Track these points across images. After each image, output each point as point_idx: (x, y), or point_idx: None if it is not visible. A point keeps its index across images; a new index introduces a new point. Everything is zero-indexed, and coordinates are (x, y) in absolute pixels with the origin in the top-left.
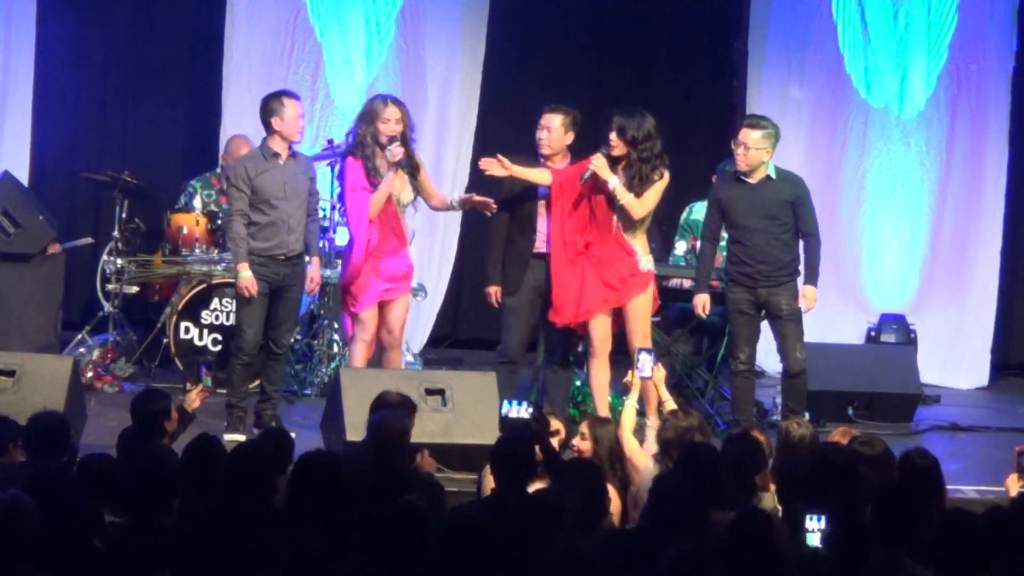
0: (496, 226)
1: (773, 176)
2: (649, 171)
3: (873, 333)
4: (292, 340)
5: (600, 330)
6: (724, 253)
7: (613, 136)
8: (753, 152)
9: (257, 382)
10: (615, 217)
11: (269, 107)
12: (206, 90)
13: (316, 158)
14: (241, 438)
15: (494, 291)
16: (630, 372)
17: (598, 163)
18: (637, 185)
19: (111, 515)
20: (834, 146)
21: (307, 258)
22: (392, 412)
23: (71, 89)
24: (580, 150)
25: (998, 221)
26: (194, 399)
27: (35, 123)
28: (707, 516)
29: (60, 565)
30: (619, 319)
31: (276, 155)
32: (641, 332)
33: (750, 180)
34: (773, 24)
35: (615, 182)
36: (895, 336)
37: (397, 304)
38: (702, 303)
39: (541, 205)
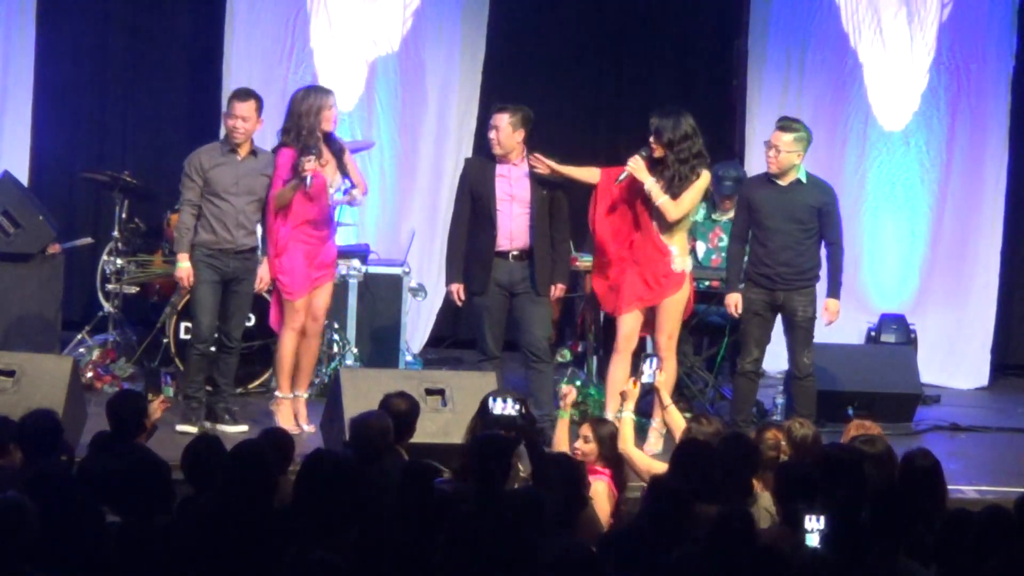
0: (457, 224)
1: (804, 181)
2: (687, 171)
3: (873, 333)
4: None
5: (627, 327)
6: (724, 255)
7: (652, 139)
8: (784, 155)
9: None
10: (653, 217)
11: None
12: (206, 90)
13: None
14: (193, 429)
15: (456, 289)
16: (631, 381)
17: (635, 165)
18: (676, 186)
19: (111, 515)
20: (834, 146)
21: (259, 255)
22: (373, 411)
23: (71, 89)
24: (582, 148)
25: (998, 221)
26: (156, 409)
27: (35, 123)
28: (695, 512)
29: (59, 565)
30: (648, 323)
31: (233, 151)
32: (668, 331)
33: (780, 182)
34: (773, 24)
35: (650, 184)
36: (895, 336)
37: (323, 291)
38: (734, 302)
39: (501, 202)
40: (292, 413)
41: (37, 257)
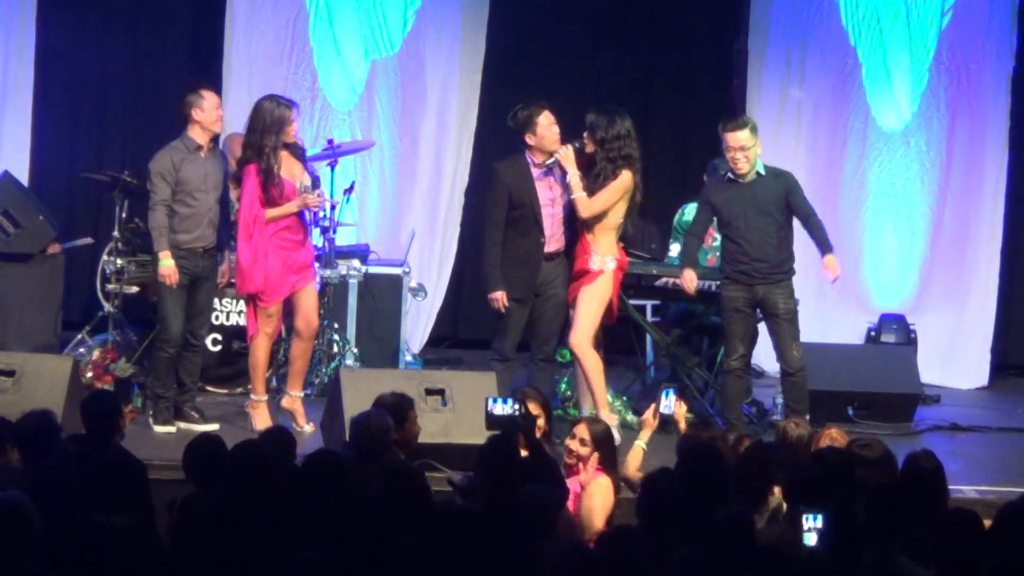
0: (497, 230)
1: (763, 173)
2: (611, 171)
3: (873, 333)
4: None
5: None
6: (718, 254)
7: (585, 134)
8: (751, 150)
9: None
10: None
11: (188, 101)
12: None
13: (316, 158)
14: (172, 429)
15: (500, 296)
16: (650, 411)
17: (564, 154)
18: (599, 184)
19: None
20: (834, 146)
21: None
22: (373, 411)
23: (71, 89)
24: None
25: (998, 221)
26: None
27: (35, 123)
28: (711, 517)
29: (60, 566)
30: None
31: (199, 147)
32: (580, 324)
33: (740, 180)
34: (773, 24)
35: (571, 174)
36: (895, 336)
37: (308, 293)
38: (689, 278)
39: (545, 207)
40: (269, 415)
41: (37, 257)
